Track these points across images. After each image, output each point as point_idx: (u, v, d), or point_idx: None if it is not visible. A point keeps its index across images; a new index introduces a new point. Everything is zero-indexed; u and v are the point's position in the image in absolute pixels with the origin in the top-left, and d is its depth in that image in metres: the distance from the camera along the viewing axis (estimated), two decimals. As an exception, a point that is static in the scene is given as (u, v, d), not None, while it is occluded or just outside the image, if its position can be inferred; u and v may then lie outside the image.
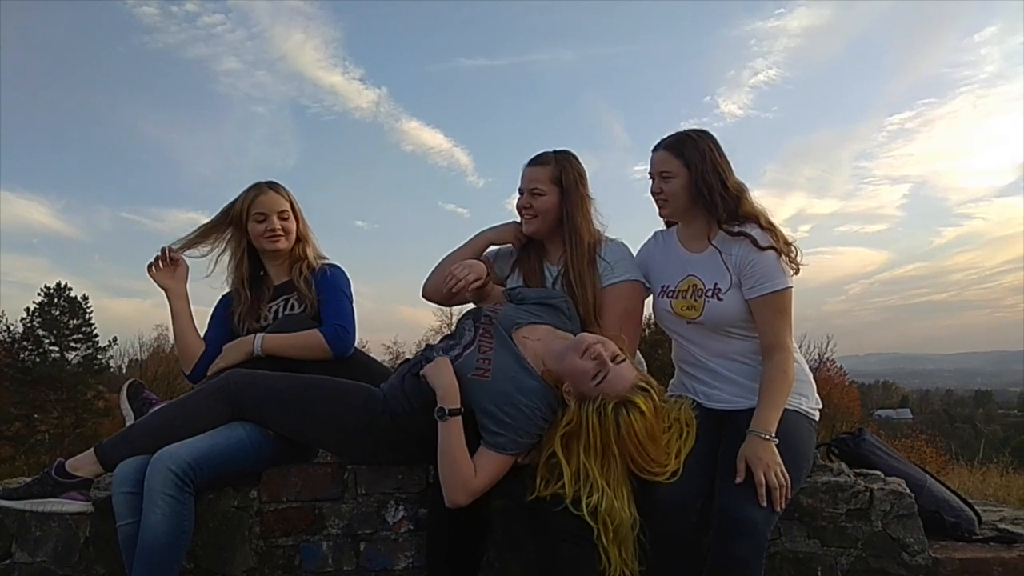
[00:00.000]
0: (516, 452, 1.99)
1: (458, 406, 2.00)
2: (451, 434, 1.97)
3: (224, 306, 2.66)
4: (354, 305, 2.58)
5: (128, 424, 2.31)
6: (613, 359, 1.99)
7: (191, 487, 2.02)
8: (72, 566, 2.22)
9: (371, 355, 2.79)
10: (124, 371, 33.98)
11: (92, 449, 2.12)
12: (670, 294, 2.37)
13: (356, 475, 2.25)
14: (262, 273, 2.68)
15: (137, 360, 34.26)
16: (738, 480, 1.94)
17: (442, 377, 2.05)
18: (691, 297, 2.31)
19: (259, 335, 2.42)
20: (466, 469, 1.95)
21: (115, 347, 32.28)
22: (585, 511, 1.87)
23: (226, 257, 2.65)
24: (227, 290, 2.68)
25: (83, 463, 2.10)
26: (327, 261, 2.67)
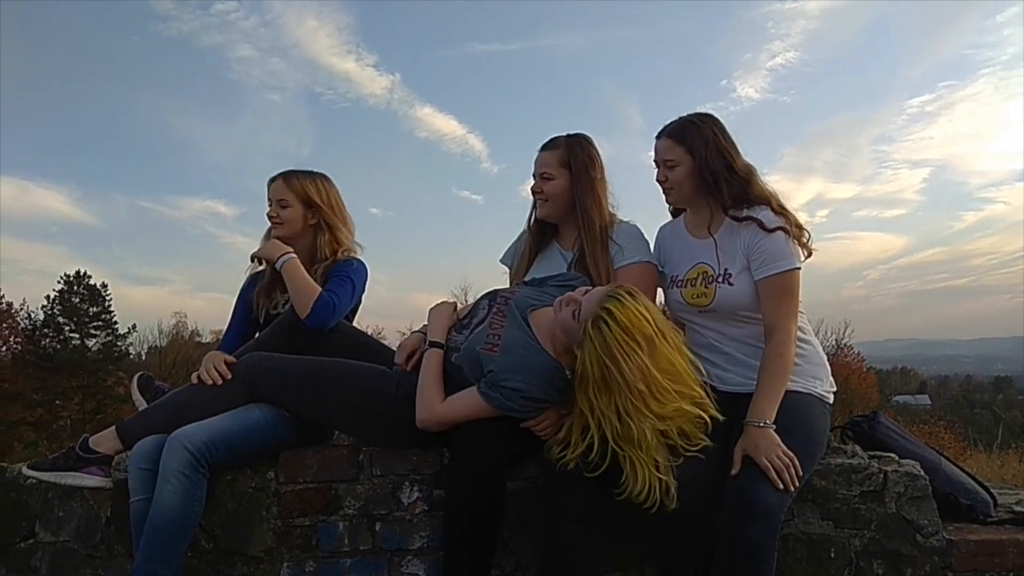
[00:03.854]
0: (496, 406, 2.02)
1: (439, 340, 2.22)
2: (428, 362, 2.18)
3: (252, 283, 2.71)
4: (358, 297, 2.59)
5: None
6: (584, 294, 1.99)
7: (205, 467, 2.07)
8: (94, 545, 2.26)
9: (384, 342, 2.81)
10: (144, 358, 34.38)
11: (113, 427, 2.19)
12: (679, 284, 2.36)
13: (371, 457, 2.27)
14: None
15: (156, 347, 34.66)
16: (733, 472, 1.94)
17: (433, 314, 2.33)
18: (701, 284, 2.30)
19: (290, 256, 2.47)
20: (433, 394, 2.11)
21: (134, 334, 32.73)
22: (606, 460, 1.86)
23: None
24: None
25: (104, 440, 2.17)
26: (353, 255, 2.65)
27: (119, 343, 31.49)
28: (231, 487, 2.25)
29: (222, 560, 2.23)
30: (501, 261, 2.77)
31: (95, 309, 30.92)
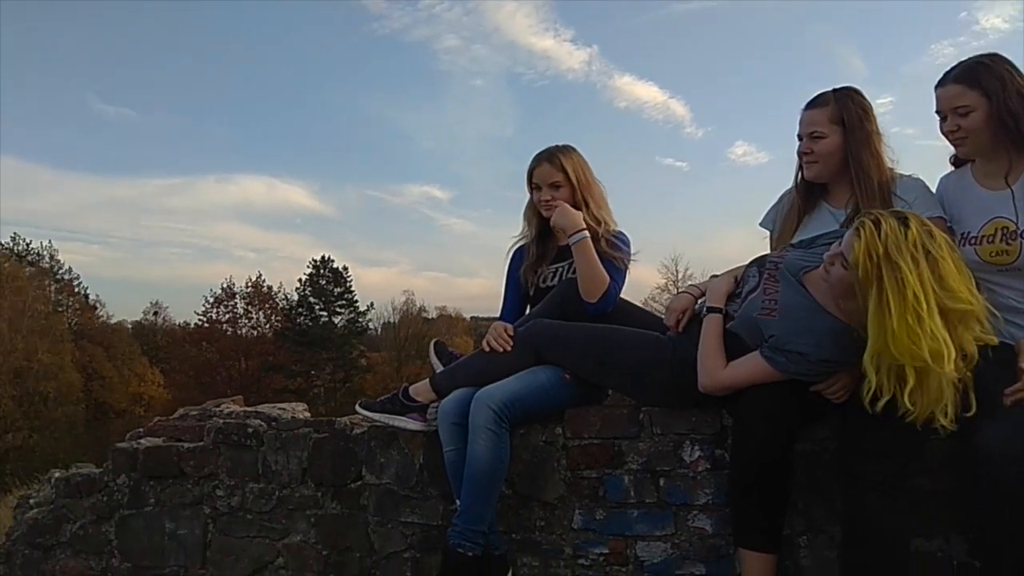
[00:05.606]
0: (781, 370, 2.03)
1: (718, 305, 2.25)
2: (707, 329, 2.22)
3: (517, 260, 2.90)
4: (627, 274, 2.69)
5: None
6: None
7: (507, 423, 2.31)
8: (411, 487, 2.59)
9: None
10: (379, 332, 37.69)
11: (427, 380, 2.52)
12: (972, 241, 2.18)
13: (651, 416, 2.38)
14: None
15: (390, 323, 37.88)
16: None
17: (714, 281, 2.36)
18: (1001, 241, 2.12)
19: (585, 234, 2.57)
20: (714, 360, 2.15)
21: (372, 311, 36.12)
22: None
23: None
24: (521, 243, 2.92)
25: (421, 390, 2.50)
26: (615, 229, 2.74)
27: (360, 319, 34.99)
28: (524, 440, 2.47)
29: (521, 505, 2.47)
30: (761, 225, 2.74)
31: (339, 290, 34.62)
